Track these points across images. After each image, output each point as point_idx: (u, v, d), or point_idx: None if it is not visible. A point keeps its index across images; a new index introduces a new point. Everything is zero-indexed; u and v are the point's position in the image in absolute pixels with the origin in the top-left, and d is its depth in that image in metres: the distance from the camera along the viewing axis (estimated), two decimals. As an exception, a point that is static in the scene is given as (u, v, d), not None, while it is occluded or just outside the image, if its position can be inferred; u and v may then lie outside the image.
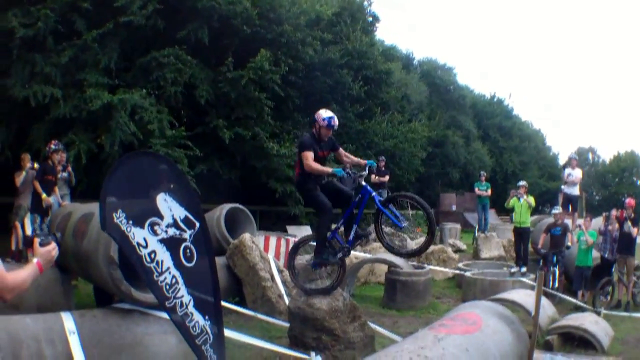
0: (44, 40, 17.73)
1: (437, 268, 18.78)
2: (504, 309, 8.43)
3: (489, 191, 25.45)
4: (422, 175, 38.19)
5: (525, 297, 11.90)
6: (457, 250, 25.23)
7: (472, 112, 53.60)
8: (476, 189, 26.17)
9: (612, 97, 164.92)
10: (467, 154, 46.37)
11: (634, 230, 16.59)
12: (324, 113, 9.19)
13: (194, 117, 22.16)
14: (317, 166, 8.92)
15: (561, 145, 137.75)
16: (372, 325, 10.08)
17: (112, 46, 19.44)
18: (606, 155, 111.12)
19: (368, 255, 16.84)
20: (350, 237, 9.35)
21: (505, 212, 20.44)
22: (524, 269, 17.97)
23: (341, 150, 9.78)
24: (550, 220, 19.49)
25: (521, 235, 19.78)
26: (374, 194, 9.00)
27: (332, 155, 9.98)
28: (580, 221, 18.60)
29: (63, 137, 17.10)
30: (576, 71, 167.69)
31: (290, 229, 22.58)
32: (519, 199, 19.66)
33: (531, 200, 19.74)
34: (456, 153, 44.25)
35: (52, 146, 14.02)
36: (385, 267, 16.34)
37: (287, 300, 11.57)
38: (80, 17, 18.52)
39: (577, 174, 21.71)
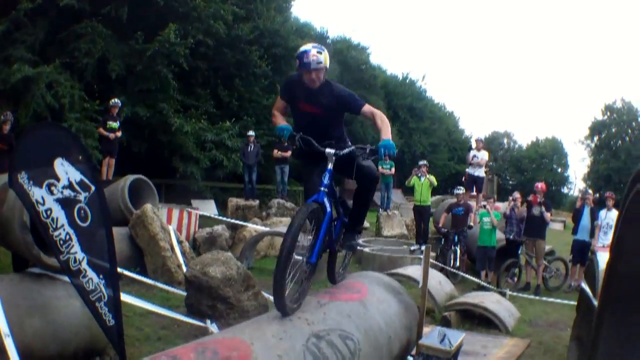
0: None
1: None
2: (392, 281, 8.20)
3: (392, 170, 25.58)
4: None
5: (419, 272, 11.42)
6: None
7: (384, 92, 53.82)
8: (380, 167, 25.25)
9: (531, 82, 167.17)
10: (375, 133, 45.73)
11: (547, 215, 17.13)
12: (301, 48, 6.33)
13: (106, 91, 22.18)
14: (273, 116, 6.82)
15: (475, 129, 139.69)
16: (266, 295, 10.09)
17: (42, 24, 19.89)
18: (523, 140, 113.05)
19: (267, 229, 16.98)
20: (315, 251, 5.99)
21: (412, 192, 20.87)
22: (423, 247, 18.17)
23: (368, 111, 6.40)
24: (453, 200, 19.79)
25: (421, 213, 20.46)
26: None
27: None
28: (484, 202, 18.93)
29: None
30: (495, 55, 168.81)
31: (195, 202, 22.78)
32: (419, 177, 20.33)
33: (432, 179, 20.43)
34: (364, 132, 43.99)
35: (1, 117, 16.24)
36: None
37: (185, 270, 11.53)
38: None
39: (482, 155, 22.20)
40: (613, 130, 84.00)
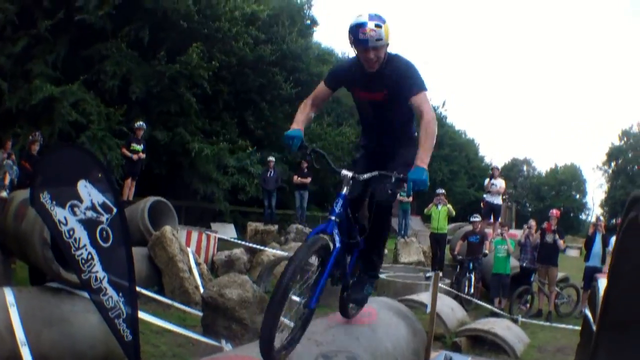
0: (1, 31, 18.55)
1: None
2: (401, 306, 8.20)
3: (411, 197, 25.51)
4: None
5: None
6: None
7: None
8: (397, 195, 26.14)
9: (549, 109, 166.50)
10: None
11: (560, 242, 17.24)
12: (354, 19, 5.11)
13: (127, 112, 22.42)
14: (299, 111, 5.58)
15: (495, 156, 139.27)
16: (281, 318, 10.12)
17: (62, 41, 20.30)
18: (542, 167, 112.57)
19: (285, 253, 16.96)
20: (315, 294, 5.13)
21: (430, 219, 21.00)
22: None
23: (419, 103, 5.18)
24: (470, 228, 19.80)
25: (438, 240, 20.55)
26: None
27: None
28: (500, 230, 19.06)
29: (9, 130, 17.85)
30: (515, 81, 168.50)
31: (214, 225, 22.99)
32: (437, 205, 20.49)
33: (450, 208, 20.58)
34: None
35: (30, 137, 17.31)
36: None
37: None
38: (38, 9, 19.38)
39: (500, 183, 22.35)
40: (630, 155, 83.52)
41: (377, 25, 4.99)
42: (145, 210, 14.88)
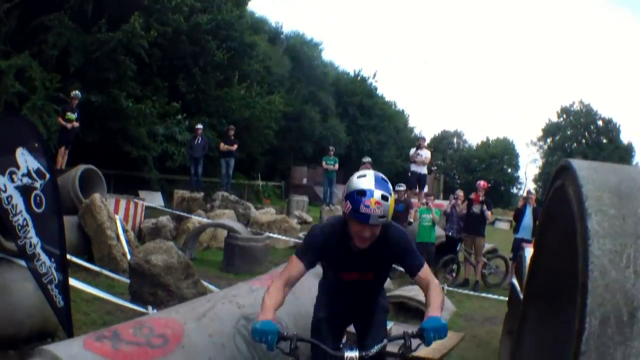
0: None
1: (277, 236, 18.78)
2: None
3: (336, 166, 26.09)
4: (275, 148, 39.12)
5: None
6: (303, 222, 25.53)
7: (334, 89, 54.05)
8: (323, 163, 26.89)
9: (484, 82, 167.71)
10: (323, 129, 46.87)
11: (488, 213, 17.16)
12: (356, 182, 4.15)
13: (66, 81, 22.73)
14: (266, 295, 4.24)
15: (425, 127, 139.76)
16: (206, 284, 10.44)
17: (13, 16, 21.11)
18: (474, 140, 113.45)
19: (210, 221, 17.26)
20: None
21: None
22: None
23: (424, 277, 4.46)
24: (394, 196, 19.75)
25: None
26: None
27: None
28: (425, 199, 18.96)
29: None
30: (448, 54, 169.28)
31: (142, 193, 23.10)
32: None
33: None
34: (312, 128, 44.73)
35: None
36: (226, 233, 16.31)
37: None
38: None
39: (425, 153, 22.40)
40: (569, 132, 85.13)
41: (383, 197, 4.09)
42: (76, 178, 14.90)
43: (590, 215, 3.61)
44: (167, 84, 28.50)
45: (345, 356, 4.17)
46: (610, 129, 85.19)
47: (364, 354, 4.18)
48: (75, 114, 19.40)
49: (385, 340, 4.28)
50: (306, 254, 4.44)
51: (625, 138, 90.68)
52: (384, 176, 4.25)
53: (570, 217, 4.02)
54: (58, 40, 22.34)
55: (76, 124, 19.47)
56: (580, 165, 4.19)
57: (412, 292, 12.45)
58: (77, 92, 19.93)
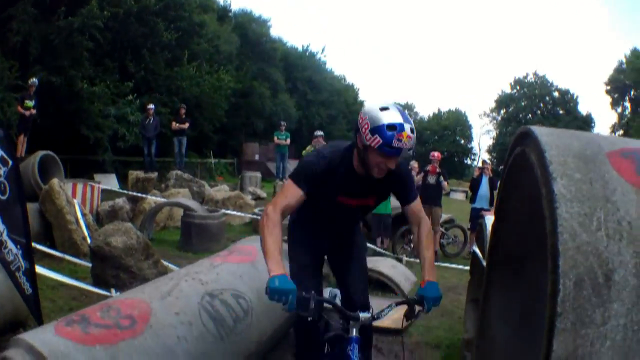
0: None
1: (233, 212, 18.93)
2: (283, 244, 7.53)
3: (288, 140, 26.48)
4: (226, 125, 39.23)
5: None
6: (257, 198, 25.67)
7: (283, 64, 54.39)
8: (275, 138, 27.18)
9: (435, 55, 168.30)
10: (273, 105, 47.20)
11: (445, 183, 17.30)
12: (382, 115, 4.08)
13: (24, 67, 23.13)
14: (267, 233, 4.09)
15: (375, 101, 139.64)
16: (166, 263, 10.39)
17: None
18: (426, 112, 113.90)
19: (165, 200, 17.48)
20: None
21: None
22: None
23: (417, 210, 4.73)
24: None
25: None
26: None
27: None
28: None
29: None
30: (398, 26, 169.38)
31: (97, 176, 23.21)
32: (315, 147, 19.84)
33: None
34: (262, 104, 45.10)
35: None
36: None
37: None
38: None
39: None
40: (523, 103, 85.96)
41: (412, 131, 4.07)
42: (35, 164, 15.10)
43: (556, 179, 3.58)
44: (117, 64, 28.76)
45: (361, 317, 4.20)
46: (568, 100, 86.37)
47: (376, 314, 4.27)
48: (33, 102, 19.63)
49: (393, 304, 4.37)
50: (306, 180, 4.31)
51: (583, 109, 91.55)
52: (407, 113, 4.19)
53: (533, 183, 3.97)
54: (21, 27, 22.77)
55: (34, 111, 19.71)
56: (541, 131, 4.14)
57: (371, 263, 11.94)
58: (34, 79, 20.10)
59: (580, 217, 3.42)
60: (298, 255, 4.92)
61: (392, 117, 4.04)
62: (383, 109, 4.09)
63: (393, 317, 4.87)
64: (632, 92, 75.75)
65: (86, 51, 24.85)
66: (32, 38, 22.99)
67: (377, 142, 4.02)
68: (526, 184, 4.55)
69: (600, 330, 3.22)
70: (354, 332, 4.18)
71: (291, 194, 4.30)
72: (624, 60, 75.44)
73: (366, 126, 4.11)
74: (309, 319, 4.01)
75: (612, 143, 4.14)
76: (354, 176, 4.46)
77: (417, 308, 4.33)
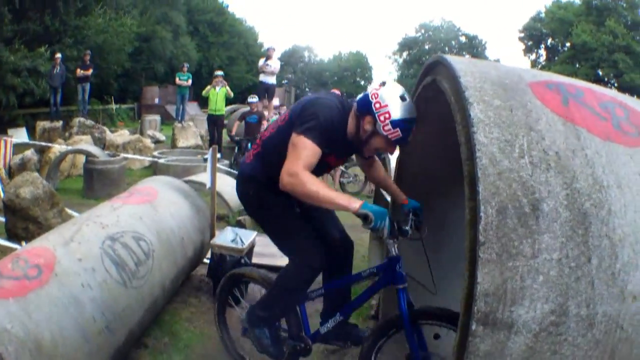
0: None
1: (132, 156, 18.98)
2: (182, 184, 7.93)
3: (189, 81, 26.98)
4: (127, 70, 38.96)
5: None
6: (157, 142, 26.00)
7: (186, 8, 54.42)
8: (177, 79, 27.21)
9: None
10: (174, 48, 47.13)
11: None
12: (402, 107, 4.11)
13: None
14: (315, 187, 3.96)
15: (275, 43, 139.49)
16: (69, 211, 10.31)
17: None
18: (326, 55, 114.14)
19: (69, 147, 17.16)
20: (322, 329, 4.90)
21: (207, 103, 21.55)
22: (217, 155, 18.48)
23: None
24: (247, 109, 20.49)
25: (215, 122, 21.25)
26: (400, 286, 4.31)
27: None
28: (275, 110, 20.16)
29: None
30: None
31: (10, 131, 22.82)
32: (215, 87, 21.10)
33: (227, 89, 21.53)
34: (163, 48, 44.86)
35: None
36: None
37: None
38: None
39: (274, 64, 22.88)
40: (427, 47, 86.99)
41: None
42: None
43: (472, 104, 3.35)
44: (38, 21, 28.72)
45: (394, 251, 4.32)
46: (475, 45, 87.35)
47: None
48: None
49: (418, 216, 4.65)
50: (321, 142, 4.16)
51: (492, 55, 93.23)
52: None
53: (443, 113, 3.92)
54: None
55: None
56: (455, 59, 3.85)
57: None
58: None
59: (500, 143, 3.24)
60: (291, 223, 4.84)
61: (411, 110, 4.14)
62: (403, 98, 4.13)
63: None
64: (549, 41, 77.40)
65: (7, 19, 24.85)
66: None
67: (396, 135, 4.14)
68: (435, 117, 4.55)
69: (530, 264, 3.07)
70: (394, 251, 4.33)
71: (312, 154, 4.15)
72: (543, 11, 76.85)
73: (387, 116, 4.11)
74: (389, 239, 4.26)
75: (535, 75, 3.96)
76: (346, 138, 4.47)
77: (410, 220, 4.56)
